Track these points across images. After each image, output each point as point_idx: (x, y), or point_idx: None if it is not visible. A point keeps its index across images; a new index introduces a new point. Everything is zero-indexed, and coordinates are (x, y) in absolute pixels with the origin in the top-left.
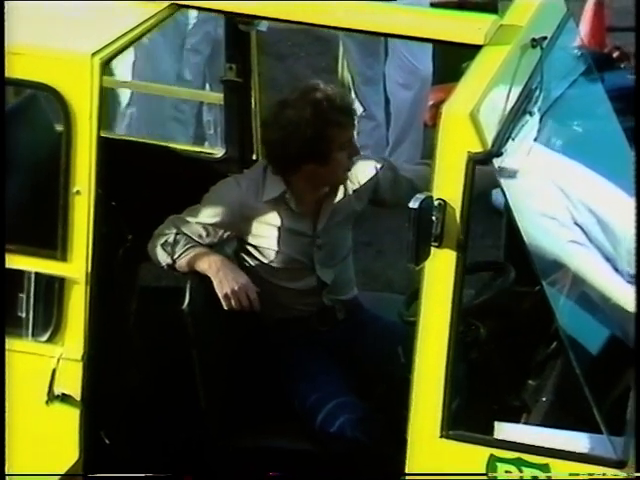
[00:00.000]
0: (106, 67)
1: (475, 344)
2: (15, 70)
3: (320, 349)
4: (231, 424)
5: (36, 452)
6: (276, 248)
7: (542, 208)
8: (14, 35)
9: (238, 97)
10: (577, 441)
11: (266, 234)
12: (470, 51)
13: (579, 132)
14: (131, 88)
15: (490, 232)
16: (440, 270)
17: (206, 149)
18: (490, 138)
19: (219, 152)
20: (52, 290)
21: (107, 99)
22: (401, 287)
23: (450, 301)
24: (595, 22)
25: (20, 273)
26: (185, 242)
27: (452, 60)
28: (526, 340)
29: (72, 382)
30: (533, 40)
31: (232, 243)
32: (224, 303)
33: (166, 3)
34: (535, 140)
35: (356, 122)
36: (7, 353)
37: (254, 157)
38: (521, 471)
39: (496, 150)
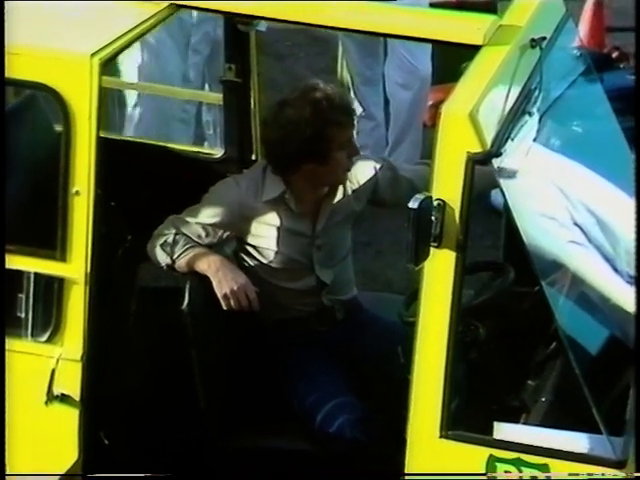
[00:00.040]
0: (105, 67)
1: (474, 344)
2: (15, 70)
3: (319, 349)
4: (230, 424)
5: (36, 452)
6: (275, 248)
7: (541, 208)
8: (14, 35)
9: (237, 97)
10: (576, 441)
11: (265, 234)
12: (469, 51)
13: (578, 132)
14: (131, 89)
15: (489, 232)
16: (439, 270)
17: (205, 149)
18: (489, 138)
19: (218, 152)
20: (51, 290)
21: (114, 101)
22: (400, 287)
23: (449, 301)
24: (594, 22)
25: (20, 273)
26: (184, 242)
27: (451, 60)
28: (525, 340)
29: (71, 382)
30: (532, 40)
31: (232, 243)
32: (223, 303)
33: (165, 3)
34: (534, 140)
35: (355, 122)
36: (7, 353)
37: (253, 157)
38: (520, 471)
39: (495, 150)
